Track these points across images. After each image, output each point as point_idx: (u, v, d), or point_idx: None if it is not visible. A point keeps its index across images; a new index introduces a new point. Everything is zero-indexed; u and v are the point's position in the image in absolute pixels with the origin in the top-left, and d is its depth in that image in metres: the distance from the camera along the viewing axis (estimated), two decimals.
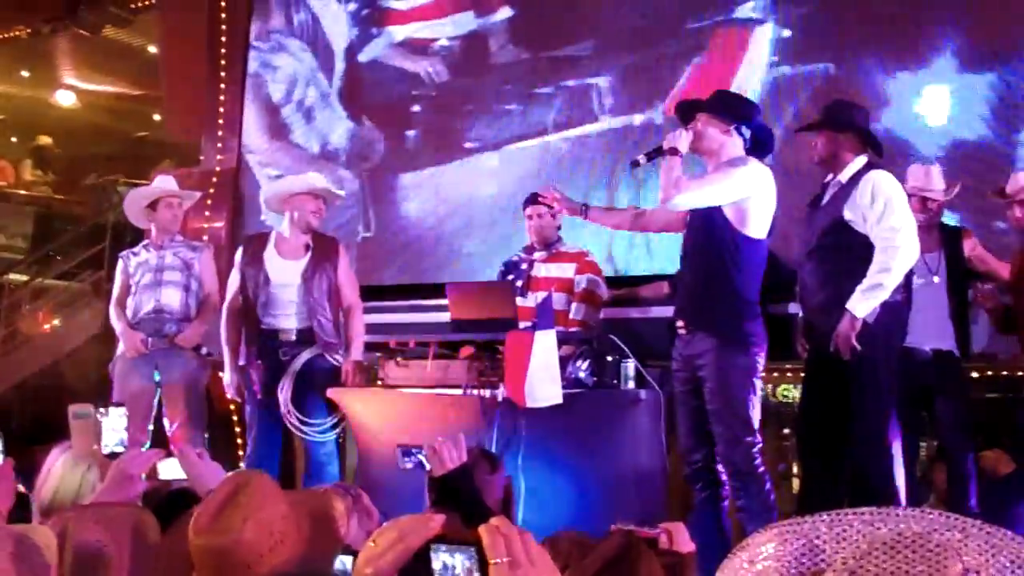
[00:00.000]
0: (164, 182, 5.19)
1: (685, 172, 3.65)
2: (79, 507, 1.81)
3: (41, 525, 1.66)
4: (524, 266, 4.85)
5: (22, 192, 10.52)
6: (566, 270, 4.78)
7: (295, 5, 7.14)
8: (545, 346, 3.79)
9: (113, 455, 2.52)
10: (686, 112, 3.81)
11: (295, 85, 7.02)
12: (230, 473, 1.78)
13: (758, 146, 3.76)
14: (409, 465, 2.79)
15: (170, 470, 2.43)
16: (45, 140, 10.20)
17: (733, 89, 5.25)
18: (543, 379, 3.75)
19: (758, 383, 3.60)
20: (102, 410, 2.58)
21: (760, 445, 3.56)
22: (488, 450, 3.13)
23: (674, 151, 3.60)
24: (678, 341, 3.74)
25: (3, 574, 1.46)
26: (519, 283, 4.76)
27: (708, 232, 3.62)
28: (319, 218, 4.70)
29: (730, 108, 3.74)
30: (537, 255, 4.85)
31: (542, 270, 4.80)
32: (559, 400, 3.75)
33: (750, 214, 3.56)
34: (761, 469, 3.55)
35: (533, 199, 4.93)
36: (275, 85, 7.11)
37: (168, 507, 2.12)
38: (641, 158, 3.76)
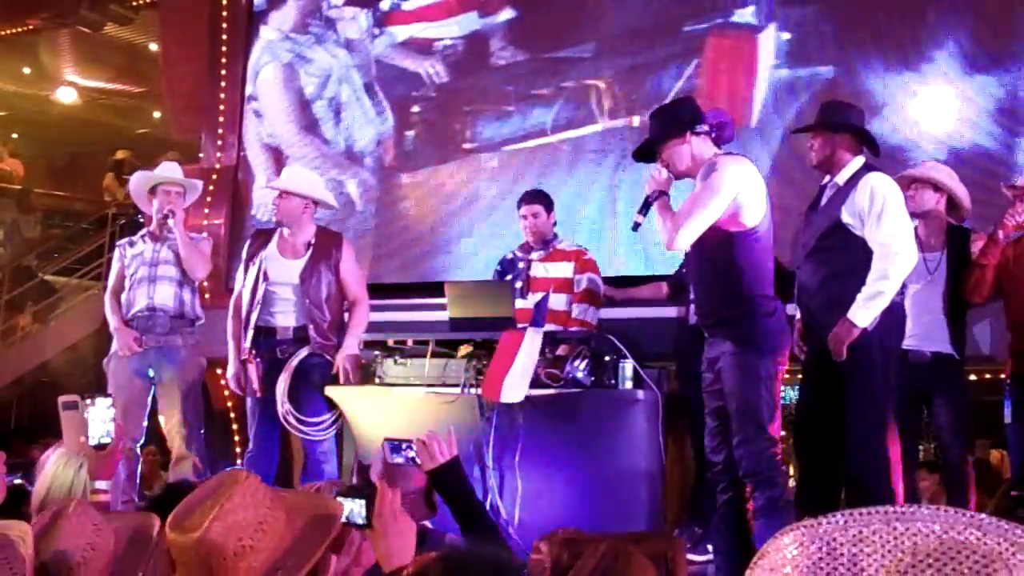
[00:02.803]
0: (167, 168, 5.08)
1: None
2: (84, 504, 1.81)
3: (18, 521, 1.67)
4: (521, 265, 4.84)
5: (16, 187, 10.52)
6: (564, 269, 4.77)
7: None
8: (532, 345, 3.82)
9: (100, 446, 2.52)
10: (646, 156, 3.76)
11: (328, 80, 6.99)
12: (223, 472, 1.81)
13: (722, 132, 3.72)
14: (399, 460, 2.80)
15: None
16: (125, 154, 10.30)
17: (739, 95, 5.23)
18: (519, 376, 3.79)
19: (774, 385, 3.50)
20: (88, 401, 2.57)
21: (775, 449, 3.47)
22: (410, 440, 3.16)
23: (660, 194, 3.59)
24: (705, 343, 3.69)
25: None
26: (518, 284, 4.75)
27: (703, 237, 3.53)
28: (277, 213, 4.65)
29: (669, 125, 3.63)
30: (535, 254, 4.84)
31: (540, 270, 4.79)
32: (520, 399, 3.79)
33: (740, 210, 3.47)
34: (771, 472, 3.45)
35: (527, 198, 4.89)
36: (307, 78, 7.08)
37: (167, 501, 2.12)
38: (639, 217, 3.71)
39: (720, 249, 3.51)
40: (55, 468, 2.47)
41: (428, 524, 3.01)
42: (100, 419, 2.55)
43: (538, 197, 4.90)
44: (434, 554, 1.31)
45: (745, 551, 3.58)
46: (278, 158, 7.01)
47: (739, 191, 3.46)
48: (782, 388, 5.48)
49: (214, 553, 1.42)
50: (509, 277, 4.81)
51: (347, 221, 6.54)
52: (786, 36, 5.62)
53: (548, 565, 1.59)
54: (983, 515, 0.80)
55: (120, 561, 1.67)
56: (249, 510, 1.47)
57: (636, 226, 3.74)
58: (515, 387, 3.80)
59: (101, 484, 2.47)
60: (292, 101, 7.08)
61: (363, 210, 6.73)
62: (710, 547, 4.25)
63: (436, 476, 2.63)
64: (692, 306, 4.77)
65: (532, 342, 3.84)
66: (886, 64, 5.33)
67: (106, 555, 1.64)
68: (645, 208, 3.66)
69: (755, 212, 3.50)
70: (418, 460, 2.71)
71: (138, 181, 5.04)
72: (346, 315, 4.72)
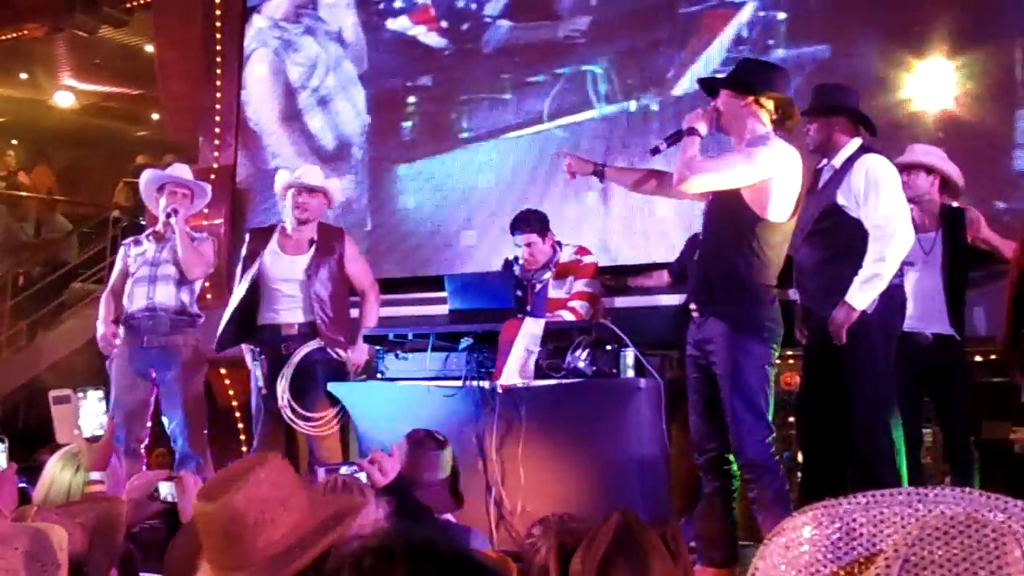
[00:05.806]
0: (177, 169, 5.11)
1: (706, 151, 3.51)
2: (43, 511, 1.83)
3: (59, 526, 1.68)
4: (526, 284, 4.69)
5: (22, 193, 10.55)
6: (569, 285, 4.69)
7: None
8: (529, 332, 3.82)
9: (94, 439, 2.54)
10: (708, 89, 3.66)
11: (314, 71, 6.95)
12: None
13: (784, 117, 3.57)
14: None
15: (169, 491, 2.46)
16: (144, 159, 10.34)
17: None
18: (515, 360, 3.79)
19: (770, 371, 3.47)
20: (80, 394, 2.58)
21: (772, 435, 3.46)
22: (433, 431, 3.18)
23: (692, 131, 3.46)
24: (691, 325, 3.61)
25: (13, 572, 1.47)
26: (524, 299, 4.61)
27: (726, 214, 3.47)
28: (303, 211, 4.64)
29: (748, 81, 3.52)
30: (544, 275, 4.73)
31: (553, 291, 4.70)
32: (516, 382, 3.81)
33: (771, 196, 3.40)
34: (773, 460, 3.44)
35: (520, 226, 4.72)
36: (294, 67, 7.03)
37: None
38: (661, 144, 3.61)
39: (741, 230, 3.44)
40: (53, 471, 2.50)
41: (451, 518, 2.99)
42: (93, 412, 2.57)
43: (531, 224, 4.69)
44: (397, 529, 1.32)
45: (730, 540, 3.59)
46: (264, 148, 6.99)
47: (772, 177, 3.39)
48: (789, 375, 5.49)
49: (235, 520, 1.48)
50: (518, 294, 4.69)
51: (343, 216, 6.51)
52: (780, 16, 5.59)
53: (552, 545, 1.58)
54: (1010, 498, 0.78)
55: (88, 560, 1.68)
56: (273, 487, 1.53)
57: (655, 151, 3.66)
58: (510, 371, 3.82)
59: (95, 475, 2.49)
60: (279, 90, 7.05)
61: (358, 204, 6.71)
62: None
63: (391, 490, 2.61)
64: None
65: (528, 330, 3.84)
66: (882, 41, 5.29)
67: (72, 556, 1.65)
68: (673, 139, 3.57)
69: (783, 205, 3.44)
70: (372, 478, 2.69)
71: (148, 179, 5.05)
72: (354, 311, 4.73)
